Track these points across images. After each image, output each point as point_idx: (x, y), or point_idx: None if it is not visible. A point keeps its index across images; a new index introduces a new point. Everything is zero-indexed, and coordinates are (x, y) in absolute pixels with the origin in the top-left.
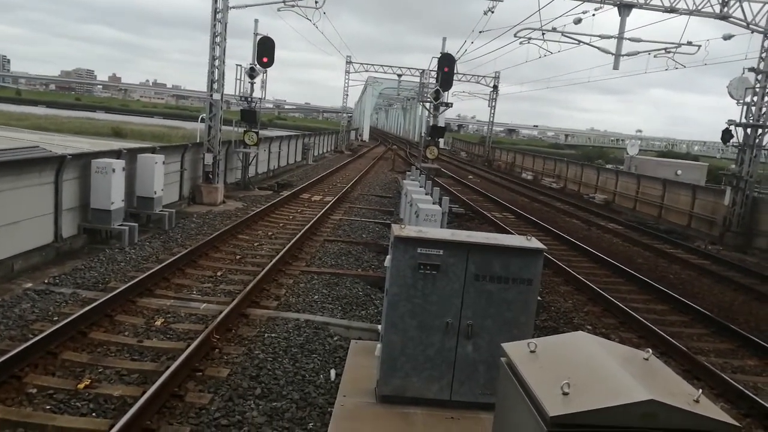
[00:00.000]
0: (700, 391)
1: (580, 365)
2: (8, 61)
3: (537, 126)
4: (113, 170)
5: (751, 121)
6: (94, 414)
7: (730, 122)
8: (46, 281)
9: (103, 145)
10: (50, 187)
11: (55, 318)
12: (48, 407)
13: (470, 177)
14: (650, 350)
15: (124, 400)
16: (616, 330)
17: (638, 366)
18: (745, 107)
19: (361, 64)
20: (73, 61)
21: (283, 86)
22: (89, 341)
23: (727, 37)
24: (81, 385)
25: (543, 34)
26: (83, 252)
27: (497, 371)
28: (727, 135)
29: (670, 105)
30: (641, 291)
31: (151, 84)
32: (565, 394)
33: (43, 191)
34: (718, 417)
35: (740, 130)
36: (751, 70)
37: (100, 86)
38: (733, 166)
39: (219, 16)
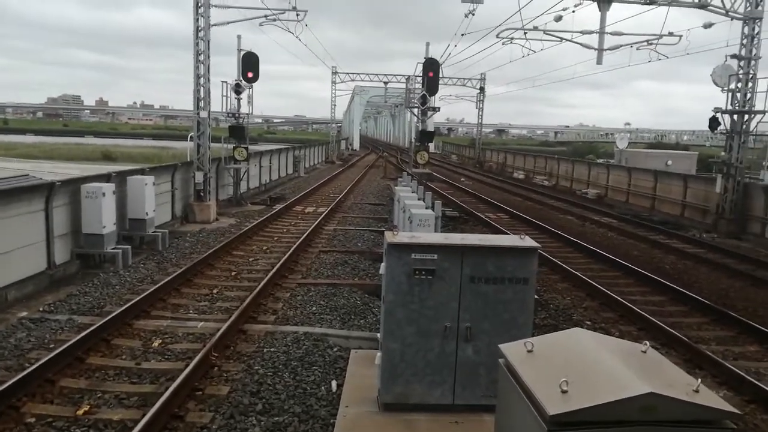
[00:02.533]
0: (699, 380)
1: (578, 362)
2: None
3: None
4: (103, 194)
5: (737, 108)
6: None
7: (717, 110)
8: (41, 309)
9: (94, 169)
10: (41, 214)
11: (52, 345)
12: None
13: (462, 179)
14: (648, 343)
15: (124, 424)
16: (615, 324)
17: (636, 359)
18: (730, 94)
19: (347, 73)
20: (59, 87)
21: (271, 100)
22: (87, 367)
23: (708, 26)
24: (80, 412)
25: (525, 33)
26: (77, 277)
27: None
28: (714, 123)
29: (657, 96)
30: (639, 283)
31: (138, 106)
32: (564, 392)
33: (33, 219)
34: (718, 405)
35: (727, 117)
36: (734, 56)
37: (88, 111)
38: (723, 153)
39: (201, 34)
